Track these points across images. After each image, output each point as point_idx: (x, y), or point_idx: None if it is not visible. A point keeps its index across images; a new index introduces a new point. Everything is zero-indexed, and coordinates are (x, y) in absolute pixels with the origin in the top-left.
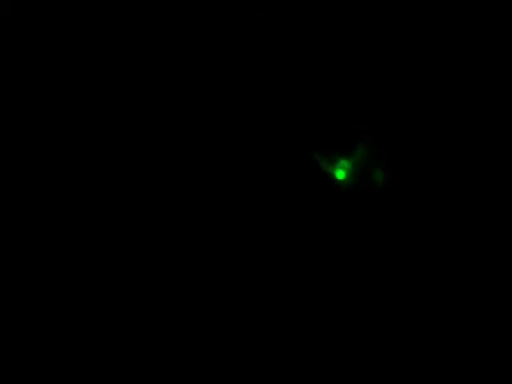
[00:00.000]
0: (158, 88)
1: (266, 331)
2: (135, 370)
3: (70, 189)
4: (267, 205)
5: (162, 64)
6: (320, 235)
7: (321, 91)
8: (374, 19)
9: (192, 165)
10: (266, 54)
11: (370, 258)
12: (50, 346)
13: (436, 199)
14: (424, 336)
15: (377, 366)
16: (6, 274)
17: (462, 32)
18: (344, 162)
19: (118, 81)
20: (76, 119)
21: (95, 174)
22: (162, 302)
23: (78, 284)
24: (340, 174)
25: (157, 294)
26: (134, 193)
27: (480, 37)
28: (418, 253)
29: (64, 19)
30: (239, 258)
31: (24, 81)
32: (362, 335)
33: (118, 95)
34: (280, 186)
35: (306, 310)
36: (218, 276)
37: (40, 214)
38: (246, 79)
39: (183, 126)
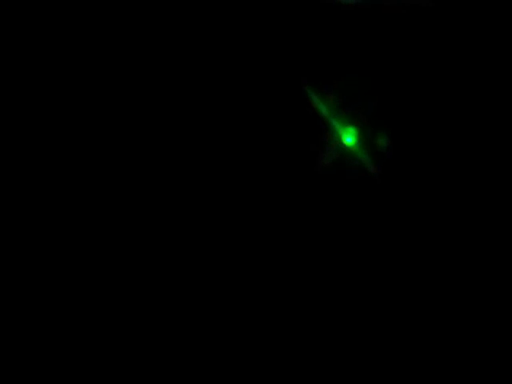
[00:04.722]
0: (158, 88)
1: (266, 331)
2: (135, 369)
3: (69, 188)
4: (270, 198)
5: (162, 64)
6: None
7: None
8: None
9: (192, 164)
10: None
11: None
12: (50, 346)
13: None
14: (424, 336)
15: (377, 366)
16: (5, 274)
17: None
18: (351, 129)
19: (118, 81)
20: (76, 119)
21: (95, 174)
22: (161, 302)
23: (78, 283)
24: (348, 140)
25: (157, 293)
26: (134, 192)
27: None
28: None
29: (64, 19)
30: (241, 254)
31: (24, 81)
32: (362, 333)
33: (118, 95)
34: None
35: (310, 303)
36: (218, 276)
37: (40, 214)
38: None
39: (183, 126)
